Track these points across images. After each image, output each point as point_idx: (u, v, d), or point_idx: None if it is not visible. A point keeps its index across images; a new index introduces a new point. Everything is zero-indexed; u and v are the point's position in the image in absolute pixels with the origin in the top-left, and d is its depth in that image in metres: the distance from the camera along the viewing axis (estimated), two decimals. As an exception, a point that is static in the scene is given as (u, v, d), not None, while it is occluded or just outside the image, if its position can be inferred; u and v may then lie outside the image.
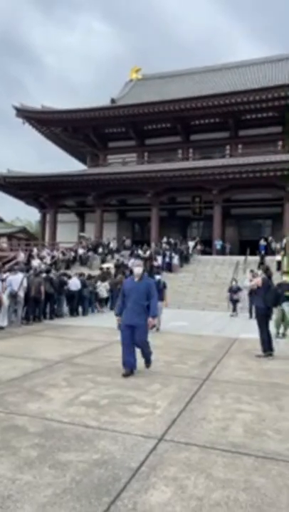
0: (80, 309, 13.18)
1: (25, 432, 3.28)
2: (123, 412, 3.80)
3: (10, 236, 35.24)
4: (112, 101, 29.87)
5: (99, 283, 14.47)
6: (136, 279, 5.47)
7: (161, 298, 9.02)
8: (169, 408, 3.96)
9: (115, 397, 4.29)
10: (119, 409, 3.88)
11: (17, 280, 9.87)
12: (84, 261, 22.69)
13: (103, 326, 10.27)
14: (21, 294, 9.90)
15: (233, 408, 4.02)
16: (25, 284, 10.05)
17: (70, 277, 13.26)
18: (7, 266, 17.02)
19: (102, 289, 14.36)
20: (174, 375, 5.32)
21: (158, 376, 5.25)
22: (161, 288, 9.18)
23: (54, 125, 30.02)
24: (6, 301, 9.29)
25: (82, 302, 13.18)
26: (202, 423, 3.58)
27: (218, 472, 2.70)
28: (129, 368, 5.28)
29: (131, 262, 19.89)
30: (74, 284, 12.64)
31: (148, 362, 5.62)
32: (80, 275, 14.14)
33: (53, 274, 12.41)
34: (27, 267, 16.15)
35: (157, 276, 9.50)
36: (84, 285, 13.10)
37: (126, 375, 5.14)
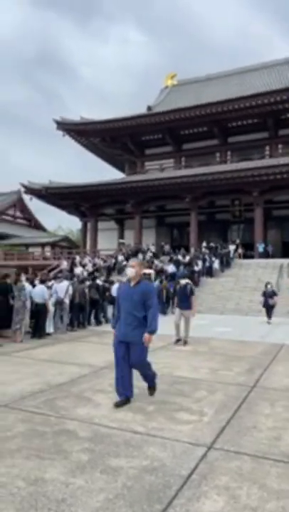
0: None
1: (75, 436, 3.36)
2: (170, 419, 3.79)
3: (53, 245, 36.36)
4: (149, 108, 30.17)
5: None
6: (131, 284, 4.36)
7: (189, 306, 8.52)
8: (216, 416, 3.90)
9: (161, 403, 4.29)
10: (166, 416, 3.87)
11: (62, 288, 10.16)
12: (123, 267, 22.94)
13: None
14: (67, 301, 10.18)
15: (284, 417, 3.88)
16: (70, 291, 10.32)
17: (112, 283, 13.47)
18: (52, 274, 17.56)
19: None
20: (220, 382, 5.23)
21: (203, 383, 5.18)
22: (188, 294, 8.52)
23: (93, 136, 30.77)
24: (52, 308, 9.58)
25: None
26: (252, 432, 3.49)
27: (271, 482, 2.62)
28: (124, 396, 4.26)
29: (170, 268, 19.88)
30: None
31: (151, 387, 4.55)
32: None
33: (99, 281, 12.67)
34: (70, 274, 16.57)
35: (182, 281, 8.68)
36: None
37: (118, 405, 4.11)
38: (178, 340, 8.40)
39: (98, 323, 11.97)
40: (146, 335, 4.14)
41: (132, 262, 4.40)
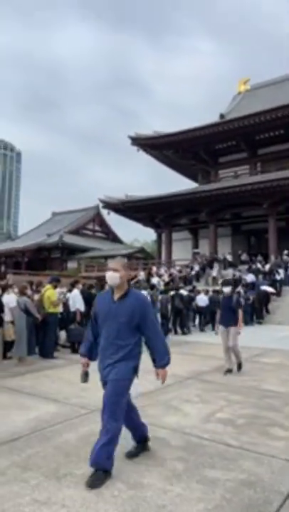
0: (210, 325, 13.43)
1: (167, 444, 3.41)
2: (263, 434, 3.66)
3: (130, 256, 37.45)
4: (221, 116, 29.88)
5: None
6: (115, 296, 2.95)
7: (235, 322, 6.67)
8: (314, 433, 3.67)
9: (252, 417, 4.16)
10: (259, 431, 3.74)
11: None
12: (199, 277, 22.76)
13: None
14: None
15: None
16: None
17: (199, 292, 13.51)
18: (132, 283, 18.06)
19: None
20: (314, 398, 4.91)
21: (295, 398, 4.91)
22: (233, 307, 6.70)
23: (165, 148, 31.29)
24: None
25: (212, 318, 13.37)
26: None
27: None
28: (100, 466, 2.72)
29: (249, 277, 19.23)
30: (202, 299, 12.78)
31: (137, 446, 3.15)
32: (207, 292, 14.38)
33: (183, 291, 12.84)
34: (149, 284, 16.88)
35: (226, 289, 6.86)
36: (212, 301, 13.34)
37: (92, 486, 2.61)
38: (229, 371, 6.48)
39: (184, 333, 12.07)
40: (159, 371, 3.01)
41: (114, 263, 2.98)
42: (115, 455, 2.83)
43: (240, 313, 6.73)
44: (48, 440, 3.44)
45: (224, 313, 6.80)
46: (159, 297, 11.75)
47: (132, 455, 3.10)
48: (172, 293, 11.82)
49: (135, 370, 2.99)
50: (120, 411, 2.85)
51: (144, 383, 5.59)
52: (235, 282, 18.79)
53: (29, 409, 4.36)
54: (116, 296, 2.95)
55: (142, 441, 3.21)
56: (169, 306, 11.31)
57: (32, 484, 2.67)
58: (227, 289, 6.97)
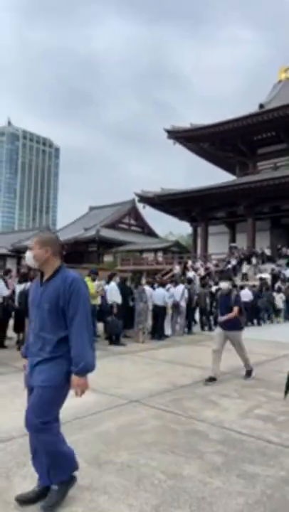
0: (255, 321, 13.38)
1: (206, 437, 3.41)
2: (305, 432, 3.57)
3: (165, 250, 37.43)
4: (261, 106, 28.99)
5: (275, 294, 14.96)
6: (44, 279, 2.38)
7: (237, 324, 5.71)
8: None
9: (292, 414, 4.06)
10: (300, 428, 3.65)
11: (179, 291, 10.40)
12: (236, 272, 22.34)
13: (266, 339, 9.84)
14: (183, 304, 10.38)
15: None
16: (186, 295, 10.51)
17: (242, 288, 13.32)
18: (167, 277, 18.05)
19: (279, 299, 14.74)
20: None
21: None
22: (231, 304, 5.67)
23: (202, 140, 30.83)
24: (169, 311, 9.88)
25: (256, 313, 13.26)
26: None
27: None
28: (41, 482, 2.37)
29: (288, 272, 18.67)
30: (246, 295, 12.59)
31: (55, 480, 2.32)
32: (253, 286, 14.25)
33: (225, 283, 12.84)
34: (185, 278, 16.81)
35: (223, 284, 5.75)
36: (258, 296, 13.29)
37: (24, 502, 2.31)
38: (211, 379, 5.28)
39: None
40: (73, 377, 2.27)
41: (33, 240, 2.39)
42: (155, 448, 2.87)
43: (236, 311, 5.59)
44: (89, 428, 3.54)
45: (222, 312, 5.79)
46: (197, 291, 11.70)
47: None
48: (214, 288, 11.69)
49: (68, 376, 2.28)
50: (50, 426, 2.28)
51: (180, 379, 5.62)
52: (274, 277, 18.31)
53: (69, 398, 4.49)
54: (44, 279, 2.38)
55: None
56: (208, 301, 11.24)
57: (74, 469, 2.76)
58: (225, 284, 5.83)
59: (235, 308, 5.61)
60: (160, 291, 9.77)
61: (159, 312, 9.51)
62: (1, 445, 3.14)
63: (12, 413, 3.92)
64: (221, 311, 5.91)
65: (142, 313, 9.06)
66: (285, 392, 3.49)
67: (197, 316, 12.04)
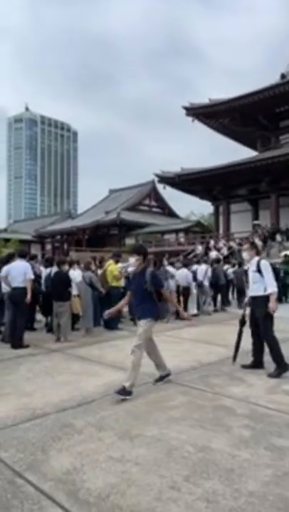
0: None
1: (233, 412, 3.46)
2: None
3: (186, 230, 37.19)
4: (282, 76, 27.80)
5: None
6: None
7: (149, 311, 4.20)
8: None
9: None
10: None
11: (202, 271, 10.41)
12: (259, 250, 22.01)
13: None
14: (206, 283, 10.39)
15: None
16: (209, 274, 10.50)
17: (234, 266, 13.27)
18: (185, 258, 18.00)
19: None
20: None
21: None
22: (147, 287, 4.12)
23: (222, 116, 30.01)
24: (194, 290, 9.92)
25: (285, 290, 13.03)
26: None
27: None
28: None
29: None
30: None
31: None
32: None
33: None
34: (208, 258, 16.75)
35: (170, 269, 4.55)
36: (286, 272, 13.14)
37: None
38: (125, 392, 3.77)
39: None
40: None
41: None
42: (184, 423, 2.93)
43: (166, 295, 4.46)
44: (119, 404, 3.66)
45: (135, 298, 4.38)
46: (230, 270, 11.65)
47: None
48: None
49: None
50: None
51: (206, 357, 5.68)
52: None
53: (98, 376, 4.64)
54: None
55: None
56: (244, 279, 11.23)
57: (106, 443, 2.88)
58: (132, 261, 4.29)
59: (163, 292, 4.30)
60: (183, 271, 9.78)
61: (182, 292, 9.55)
62: (37, 421, 3.30)
63: (45, 391, 4.10)
64: (133, 296, 4.42)
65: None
66: None
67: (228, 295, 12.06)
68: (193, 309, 9.96)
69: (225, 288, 11.81)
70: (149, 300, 4.24)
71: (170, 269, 9.57)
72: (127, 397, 3.76)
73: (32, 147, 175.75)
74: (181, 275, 9.67)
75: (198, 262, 11.53)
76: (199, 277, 10.29)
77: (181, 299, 9.69)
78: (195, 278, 10.16)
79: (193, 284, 9.85)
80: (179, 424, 3.20)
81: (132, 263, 4.41)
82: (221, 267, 11.74)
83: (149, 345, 4.31)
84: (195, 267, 10.71)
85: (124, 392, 3.77)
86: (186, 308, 9.65)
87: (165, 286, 9.06)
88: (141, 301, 4.31)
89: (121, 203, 44.10)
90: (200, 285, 10.27)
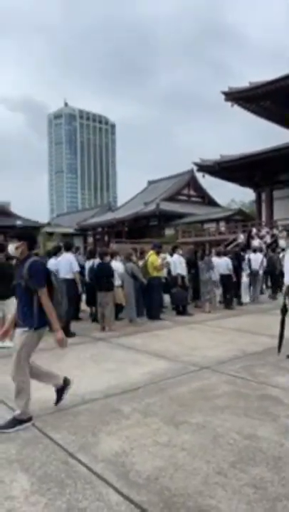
0: None
1: (280, 402, 3.43)
2: None
3: (227, 219, 36.48)
4: None
5: None
6: None
7: (28, 320, 3.08)
8: None
9: None
10: None
11: (257, 259, 10.33)
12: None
13: None
14: (261, 272, 10.33)
15: None
16: (264, 263, 10.41)
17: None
18: (231, 247, 17.70)
19: None
20: None
21: None
22: (28, 288, 3.08)
23: (262, 99, 28.92)
24: (246, 279, 9.85)
25: None
26: None
27: None
28: None
29: None
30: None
31: None
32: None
33: None
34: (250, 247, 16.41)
35: (11, 247, 2.96)
36: None
37: None
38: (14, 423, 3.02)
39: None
40: None
41: None
42: (228, 411, 2.94)
43: (44, 301, 3.05)
44: (163, 392, 3.74)
45: (16, 295, 3.27)
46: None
47: None
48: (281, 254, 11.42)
49: None
50: None
51: (250, 347, 5.61)
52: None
53: (143, 365, 4.74)
54: None
55: None
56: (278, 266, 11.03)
57: (153, 428, 2.97)
58: (11, 247, 3.19)
59: (42, 297, 3.07)
60: (224, 260, 9.69)
61: (225, 281, 9.46)
62: (87, 405, 3.46)
63: (93, 377, 4.26)
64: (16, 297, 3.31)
65: (207, 284, 9.07)
66: None
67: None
68: (246, 298, 9.93)
69: (279, 277, 11.60)
70: (29, 301, 3.09)
71: (214, 259, 9.50)
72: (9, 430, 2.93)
73: (72, 141, 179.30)
74: (221, 264, 9.58)
75: (243, 251, 11.37)
76: (254, 266, 10.19)
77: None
78: (250, 266, 10.11)
79: (246, 273, 9.81)
80: (223, 412, 3.22)
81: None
82: (276, 255, 11.56)
83: (31, 366, 3.17)
84: (251, 255, 10.60)
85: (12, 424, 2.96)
86: (236, 295, 9.68)
87: (207, 277, 9.09)
88: (20, 302, 3.20)
89: (160, 194, 44.00)
90: (255, 274, 10.17)
